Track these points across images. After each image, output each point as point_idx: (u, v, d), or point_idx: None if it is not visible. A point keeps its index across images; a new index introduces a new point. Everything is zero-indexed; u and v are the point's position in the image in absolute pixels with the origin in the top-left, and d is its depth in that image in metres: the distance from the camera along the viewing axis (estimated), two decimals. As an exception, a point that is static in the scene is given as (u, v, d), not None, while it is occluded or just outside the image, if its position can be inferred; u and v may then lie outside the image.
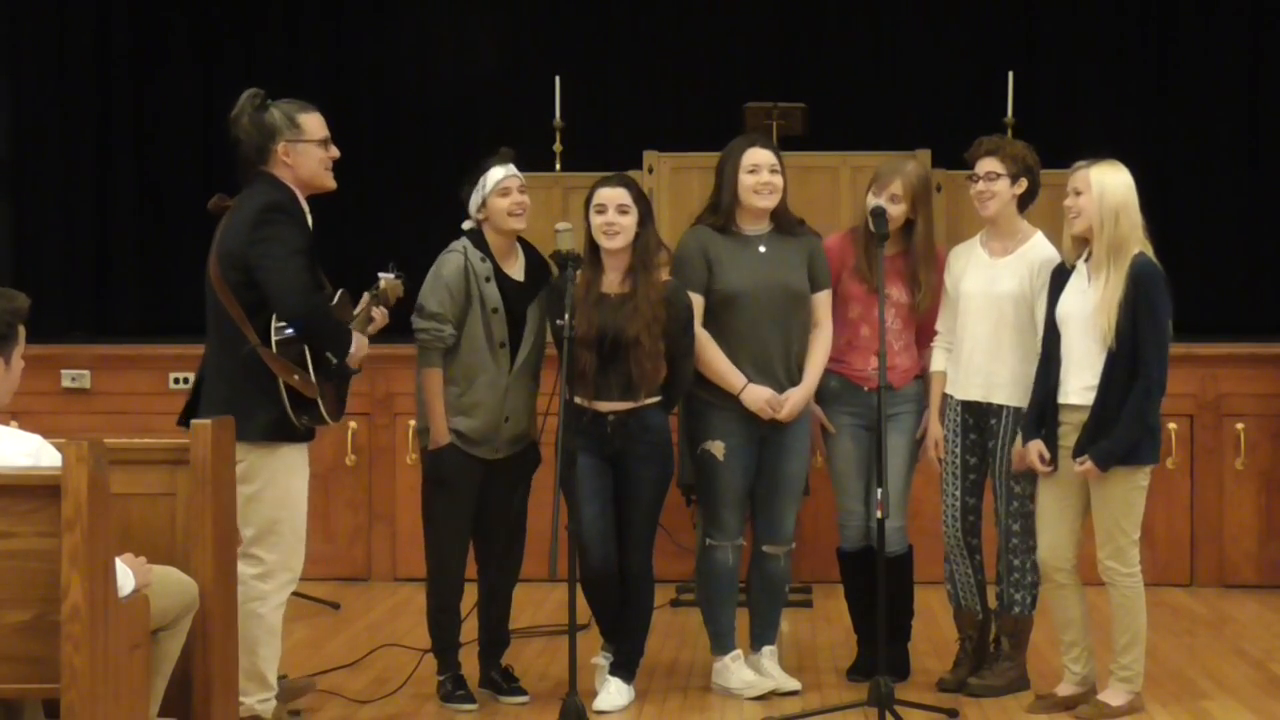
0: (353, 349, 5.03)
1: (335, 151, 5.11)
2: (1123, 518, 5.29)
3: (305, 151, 5.02)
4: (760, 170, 5.59)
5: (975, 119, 8.40)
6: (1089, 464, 5.22)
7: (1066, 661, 5.47)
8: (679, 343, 5.46)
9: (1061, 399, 5.36)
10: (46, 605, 3.87)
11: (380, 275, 5.31)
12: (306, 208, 5.04)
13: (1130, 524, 5.30)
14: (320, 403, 4.92)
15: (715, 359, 5.55)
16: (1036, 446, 5.40)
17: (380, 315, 5.24)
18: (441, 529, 5.55)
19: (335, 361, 4.96)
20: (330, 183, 5.11)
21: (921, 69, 10.77)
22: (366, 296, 5.22)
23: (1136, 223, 5.27)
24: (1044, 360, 5.42)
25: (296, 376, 4.87)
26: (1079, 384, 5.30)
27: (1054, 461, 5.38)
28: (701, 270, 5.58)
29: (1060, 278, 5.42)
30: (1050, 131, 8.67)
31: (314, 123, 5.06)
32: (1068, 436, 5.34)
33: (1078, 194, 5.29)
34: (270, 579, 4.98)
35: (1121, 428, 5.20)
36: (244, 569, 4.91)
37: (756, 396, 5.54)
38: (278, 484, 4.96)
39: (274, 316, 4.86)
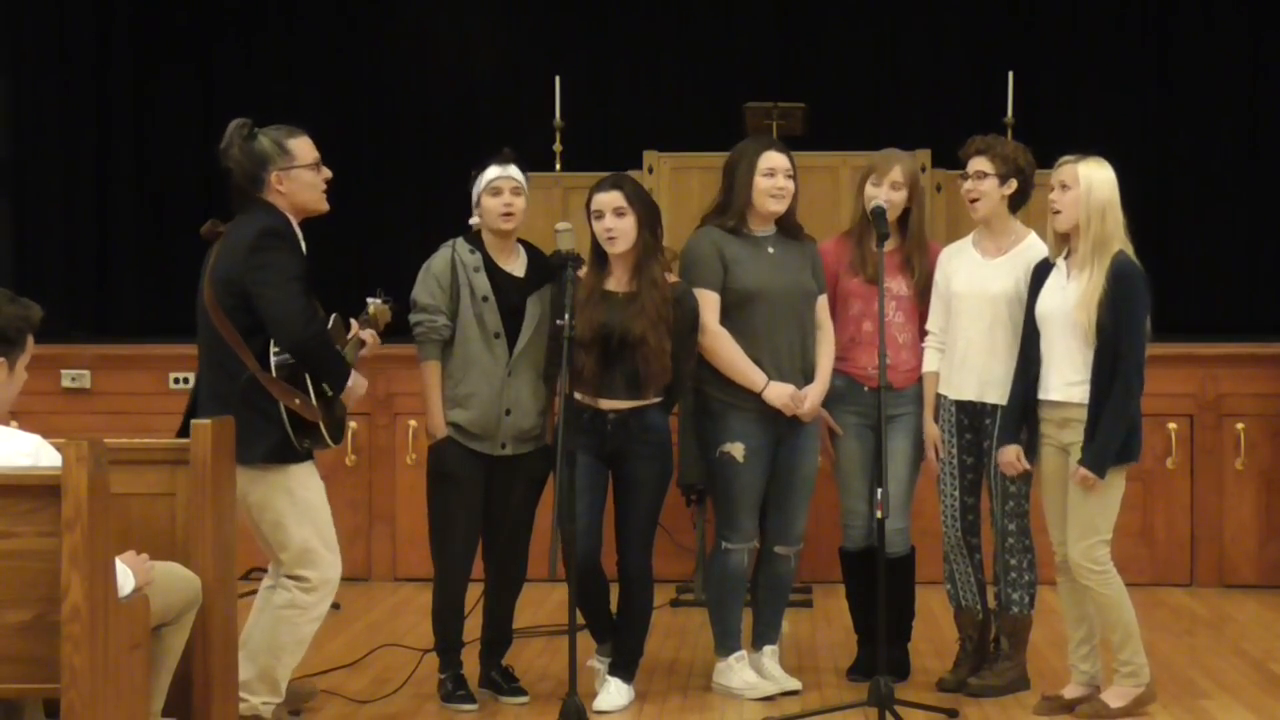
0: (350, 384, 5.05)
1: (328, 172, 5.11)
2: (1098, 516, 5.26)
3: (298, 177, 5.01)
4: (776, 174, 5.59)
5: (975, 119, 8.39)
6: (1087, 474, 5.18)
7: (1075, 660, 5.45)
8: (683, 344, 5.46)
9: (1042, 395, 5.35)
10: (46, 605, 3.87)
11: (369, 300, 5.46)
12: (300, 234, 5.05)
13: (1104, 524, 5.27)
14: (321, 426, 4.93)
15: (736, 357, 5.54)
16: (1013, 451, 5.41)
17: (371, 339, 5.34)
18: (444, 525, 5.54)
19: (331, 394, 4.98)
20: (324, 206, 5.11)
21: (921, 69, 10.78)
22: (356, 322, 5.30)
23: (1119, 220, 5.26)
24: (1022, 359, 5.42)
25: (298, 401, 4.87)
26: (1060, 380, 5.29)
27: (1037, 459, 5.39)
28: (717, 269, 5.56)
29: (1040, 275, 5.42)
30: (1050, 131, 8.67)
31: (304, 147, 5.04)
32: (1050, 432, 5.35)
33: (1064, 189, 5.27)
34: (315, 591, 5.03)
35: (1105, 428, 5.18)
36: (290, 583, 4.99)
37: (780, 393, 5.53)
38: (297, 503, 4.98)
39: (271, 341, 4.87)
